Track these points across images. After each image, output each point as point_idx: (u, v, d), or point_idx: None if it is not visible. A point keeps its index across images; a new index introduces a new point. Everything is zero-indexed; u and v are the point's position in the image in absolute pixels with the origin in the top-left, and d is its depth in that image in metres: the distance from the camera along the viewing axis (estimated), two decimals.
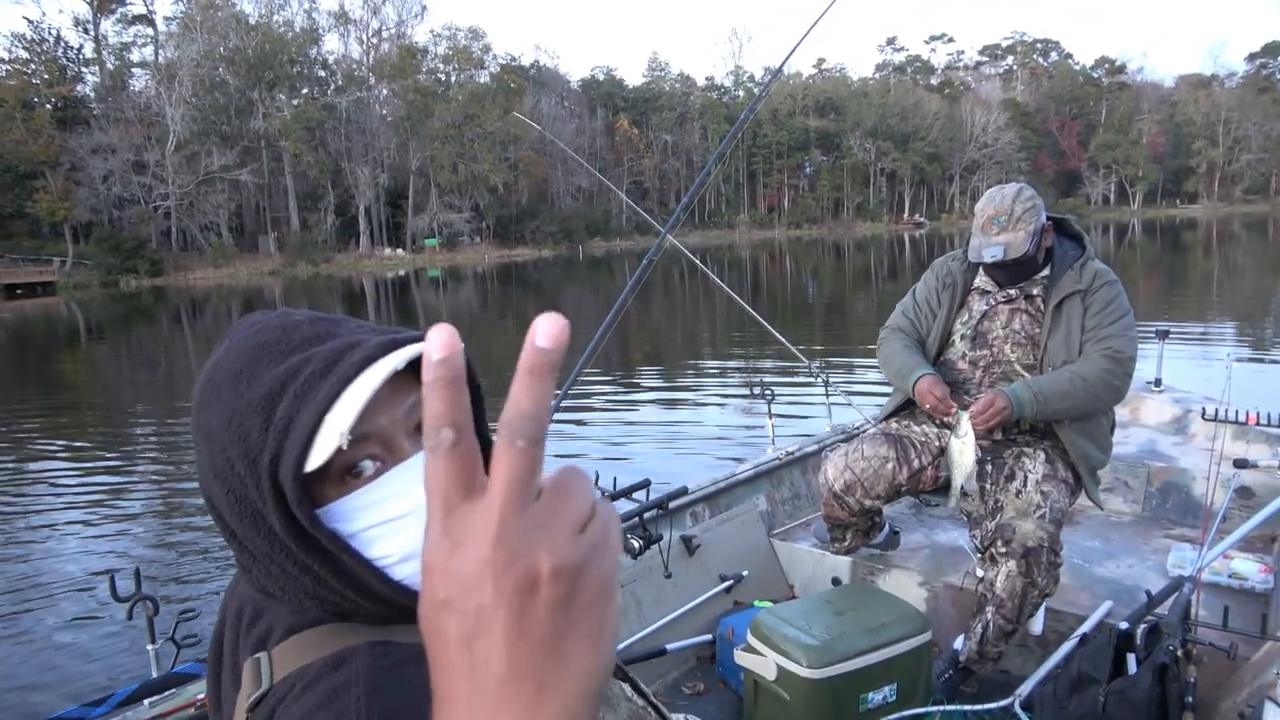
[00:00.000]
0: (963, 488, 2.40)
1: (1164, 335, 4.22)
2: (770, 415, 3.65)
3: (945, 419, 2.49)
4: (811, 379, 3.89)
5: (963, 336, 2.59)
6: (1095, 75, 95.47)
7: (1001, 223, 2.40)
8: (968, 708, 2.29)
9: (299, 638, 0.64)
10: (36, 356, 19.92)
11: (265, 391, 0.63)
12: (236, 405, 0.63)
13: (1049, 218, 2.51)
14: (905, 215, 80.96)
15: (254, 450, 0.62)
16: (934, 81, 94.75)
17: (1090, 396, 2.38)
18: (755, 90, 79.22)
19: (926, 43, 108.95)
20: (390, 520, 0.64)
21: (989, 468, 2.51)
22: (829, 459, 2.68)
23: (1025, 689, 2.17)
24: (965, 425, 2.35)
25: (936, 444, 2.60)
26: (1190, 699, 1.92)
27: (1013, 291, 2.54)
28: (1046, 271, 2.52)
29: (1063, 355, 2.44)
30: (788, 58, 3.53)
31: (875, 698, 2.25)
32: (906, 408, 2.72)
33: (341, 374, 0.62)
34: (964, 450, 2.36)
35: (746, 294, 25.45)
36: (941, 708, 2.33)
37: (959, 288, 2.62)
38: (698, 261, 3.99)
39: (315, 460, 0.61)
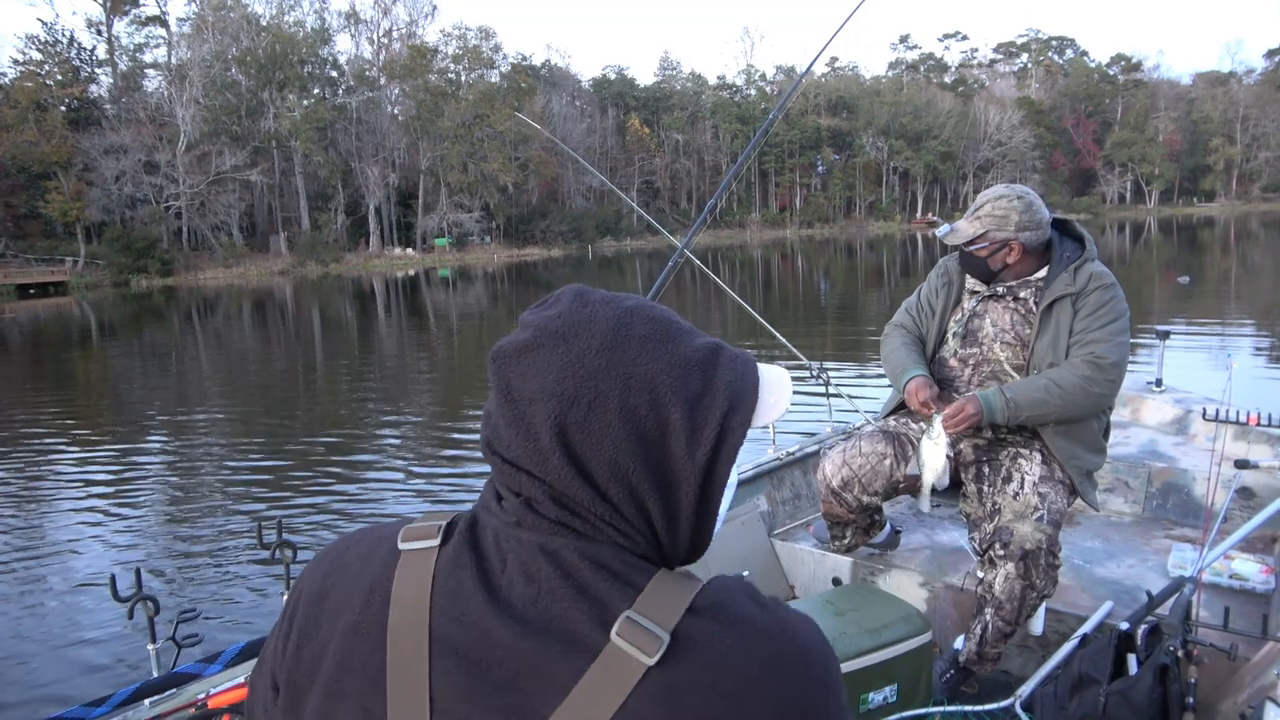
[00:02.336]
0: (933, 486, 2.40)
1: (1164, 336, 4.20)
2: None
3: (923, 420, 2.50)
4: (813, 379, 3.89)
5: (955, 334, 2.59)
6: (1111, 72, 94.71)
7: (970, 212, 2.46)
8: (968, 708, 2.28)
9: (658, 585, 0.66)
10: (49, 356, 20.09)
11: (700, 358, 0.69)
12: (673, 359, 0.68)
13: (1054, 220, 2.50)
14: (919, 214, 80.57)
15: (694, 397, 0.68)
16: (947, 79, 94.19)
17: (1066, 404, 2.34)
18: (768, 90, 79.14)
19: (940, 40, 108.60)
20: (730, 485, 0.73)
21: (986, 469, 2.50)
22: (827, 456, 2.68)
23: (1026, 689, 2.16)
24: (938, 427, 2.35)
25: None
26: (1191, 700, 1.91)
27: (999, 289, 2.53)
28: (1044, 273, 2.50)
29: (1049, 358, 2.41)
30: (814, 61, 3.58)
31: (876, 698, 2.24)
32: (906, 405, 2.72)
33: (754, 366, 0.74)
34: (934, 451, 2.36)
35: (758, 292, 25.48)
36: (942, 708, 2.33)
37: (954, 286, 2.62)
38: (712, 274, 4.01)
39: (764, 419, 0.72)
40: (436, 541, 0.70)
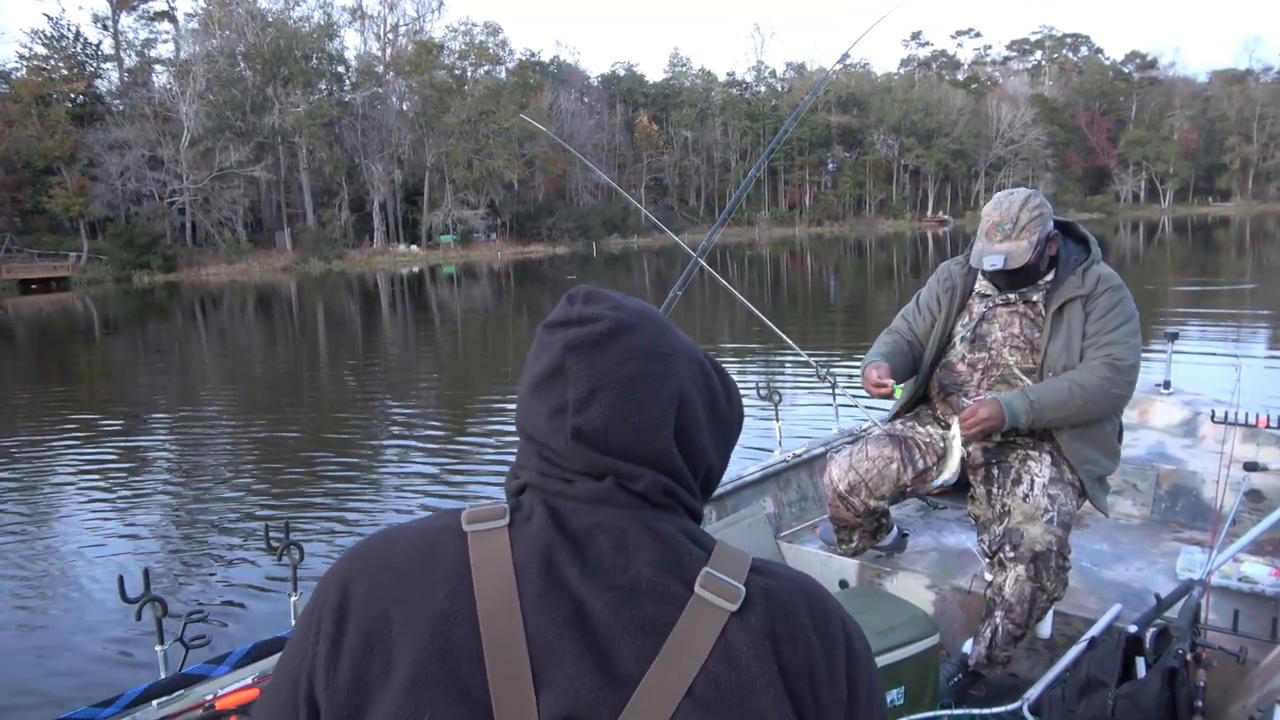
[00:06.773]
0: (943, 481, 2.44)
1: (1173, 337, 4.19)
2: (777, 418, 3.65)
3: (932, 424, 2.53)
4: (820, 381, 3.88)
5: (962, 339, 2.58)
6: (1126, 70, 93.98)
7: (1005, 230, 2.36)
8: (975, 711, 2.27)
9: (723, 549, 0.77)
10: (52, 352, 20.16)
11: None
12: (683, 336, 0.82)
13: (1056, 222, 2.48)
14: (929, 212, 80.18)
15: (709, 359, 0.83)
16: (960, 77, 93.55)
17: (1088, 405, 2.35)
18: (778, 87, 78.84)
19: (953, 38, 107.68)
20: None
21: (995, 471, 2.49)
22: (834, 460, 2.67)
23: (1033, 693, 2.15)
24: (956, 428, 2.37)
25: (941, 445, 2.59)
26: (1199, 703, 1.91)
27: (1011, 295, 2.52)
28: (1050, 276, 2.48)
29: (1063, 361, 2.41)
30: (842, 58, 3.69)
31: None
32: (912, 409, 2.72)
33: None
34: (952, 449, 2.39)
35: (766, 291, 25.42)
36: (949, 711, 2.32)
37: (959, 290, 2.61)
38: (725, 283, 4.03)
39: None
40: (505, 521, 0.73)
